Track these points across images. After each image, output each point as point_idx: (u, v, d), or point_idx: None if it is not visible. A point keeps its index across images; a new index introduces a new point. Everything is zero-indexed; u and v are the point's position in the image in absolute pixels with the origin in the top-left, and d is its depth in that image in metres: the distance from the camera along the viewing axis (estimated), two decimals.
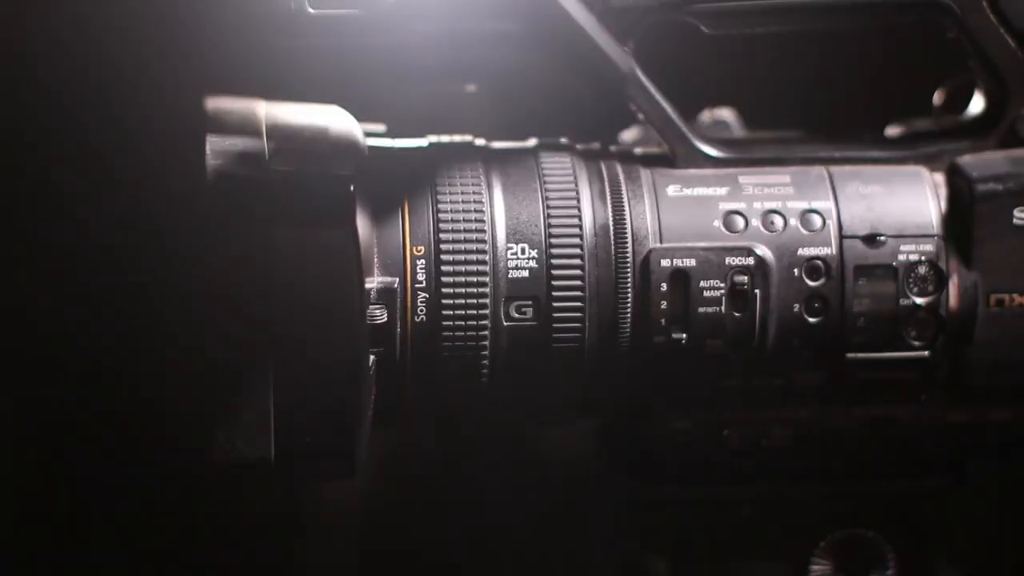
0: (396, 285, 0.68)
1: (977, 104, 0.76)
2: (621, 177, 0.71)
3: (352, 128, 0.70)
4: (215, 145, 0.67)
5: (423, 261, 0.69)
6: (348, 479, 0.69)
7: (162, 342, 0.83)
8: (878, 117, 0.80)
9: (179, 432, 0.75)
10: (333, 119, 0.70)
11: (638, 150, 0.75)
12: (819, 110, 0.86)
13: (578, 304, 0.69)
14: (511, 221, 0.69)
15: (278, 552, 0.93)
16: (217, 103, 0.70)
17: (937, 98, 0.81)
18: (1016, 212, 0.70)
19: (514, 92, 0.86)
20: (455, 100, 0.85)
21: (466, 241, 0.69)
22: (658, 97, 0.72)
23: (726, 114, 0.81)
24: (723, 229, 0.70)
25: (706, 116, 0.81)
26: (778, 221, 0.70)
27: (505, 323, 0.69)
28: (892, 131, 0.79)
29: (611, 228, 0.70)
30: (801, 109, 0.86)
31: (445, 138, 0.74)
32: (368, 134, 0.72)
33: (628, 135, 0.80)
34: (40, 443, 0.86)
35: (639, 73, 0.72)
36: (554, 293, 0.69)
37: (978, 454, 0.75)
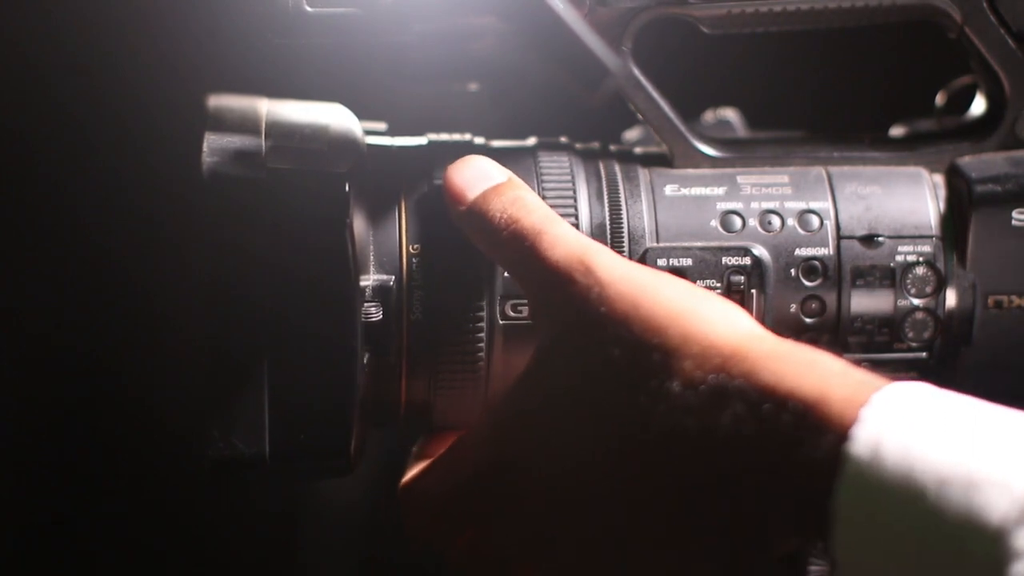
0: (392, 283, 0.68)
1: (979, 105, 0.76)
2: (619, 176, 0.71)
3: (352, 126, 0.70)
4: (213, 143, 0.67)
5: (419, 259, 0.69)
6: (343, 476, 0.69)
7: (156, 339, 0.83)
8: (883, 118, 0.80)
9: (174, 429, 0.75)
10: (334, 117, 0.70)
11: (638, 150, 0.74)
12: (822, 111, 0.86)
13: None
14: None
15: (278, 552, 0.93)
16: (219, 101, 0.70)
17: (939, 99, 0.80)
18: (1015, 213, 0.70)
19: (517, 91, 0.85)
20: (458, 99, 0.85)
21: (462, 239, 0.69)
22: (656, 96, 0.72)
23: (730, 114, 0.81)
24: (720, 229, 0.70)
25: (709, 116, 0.81)
26: (775, 221, 0.70)
27: (501, 321, 0.69)
28: (896, 131, 0.79)
29: (608, 227, 0.70)
30: (804, 110, 0.86)
31: (444, 136, 0.74)
32: (368, 132, 0.72)
33: (631, 135, 0.80)
34: (33, 440, 0.87)
35: (636, 72, 0.72)
36: None
37: None
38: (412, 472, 0.68)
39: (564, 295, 0.63)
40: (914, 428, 0.53)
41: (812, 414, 0.55)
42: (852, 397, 0.55)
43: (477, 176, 0.67)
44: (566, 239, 0.64)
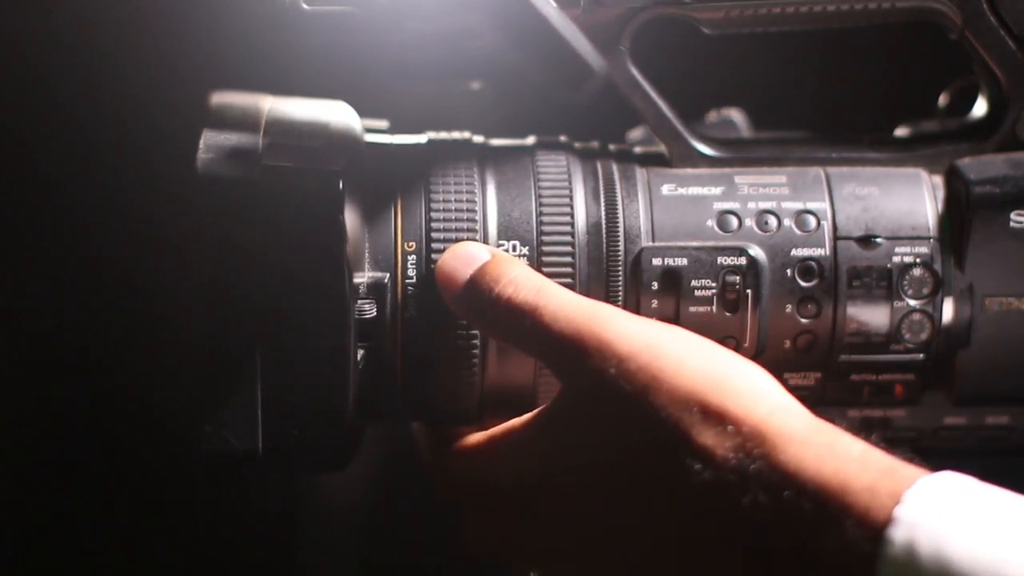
0: (386, 280, 0.68)
1: (980, 107, 0.76)
2: (616, 176, 0.71)
3: (351, 123, 0.70)
4: (209, 139, 0.67)
5: (414, 257, 0.69)
6: (338, 471, 0.69)
7: (150, 334, 0.84)
8: (884, 119, 0.79)
9: (169, 425, 0.75)
10: (334, 114, 0.70)
11: (637, 149, 0.74)
12: (823, 112, 0.86)
13: None
14: (503, 218, 0.69)
15: (278, 552, 0.93)
16: (222, 98, 0.70)
17: (942, 100, 0.80)
18: (1013, 215, 0.70)
19: (520, 90, 0.85)
20: (460, 98, 0.85)
21: (457, 238, 0.69)
22: (654, 96, 0.72)
23: (734, 114, 0.80)
24: (716, 229, 0.70)
25: (712, 116, 0.81)
26: (772, 221, 0.70)
27: None
28: (900, 132, 0.79)
29: (603, 226, 0.70)
30: (805, 110, 0.86)
31: (444, 135, 0.74)
32: (369, 130, 0.72)
33: (634, 135, 0.80)
34: (27, 439, 0.87)
35: (634, 72, 0.71)
36: None
37: (975, 458, 0.74)
38: (460, 448, 0.68)
39: (578, 367, 0.63)
40: (949, 537, 0.54)
41: (833, 504, 0.56)
42: (873, 487, 0.56)
43: (463, 261, 0.67)
44: (565, 309, 0.64)
